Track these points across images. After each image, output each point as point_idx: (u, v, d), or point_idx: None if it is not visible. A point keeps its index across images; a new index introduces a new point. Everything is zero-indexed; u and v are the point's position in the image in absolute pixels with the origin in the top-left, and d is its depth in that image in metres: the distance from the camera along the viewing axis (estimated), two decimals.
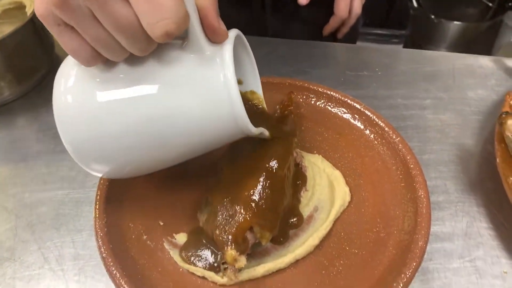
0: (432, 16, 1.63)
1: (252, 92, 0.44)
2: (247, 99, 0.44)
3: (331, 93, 0.53)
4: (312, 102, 0.54)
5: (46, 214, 0.46)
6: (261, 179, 0.40)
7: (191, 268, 0.40)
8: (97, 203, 0.42)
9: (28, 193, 0.48)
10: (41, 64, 0.58)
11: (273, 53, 0.65)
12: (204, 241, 0.41)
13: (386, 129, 0.49)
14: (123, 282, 0.37)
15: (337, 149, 0.50)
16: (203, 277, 0.40)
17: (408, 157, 0.46)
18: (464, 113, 0.56)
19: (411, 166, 0.45)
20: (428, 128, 0.54)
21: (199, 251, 0.41)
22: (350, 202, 0.45)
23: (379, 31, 1.65)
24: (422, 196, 0.43)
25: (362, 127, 0.51)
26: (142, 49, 0.30)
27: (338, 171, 0.47)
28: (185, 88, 0.32)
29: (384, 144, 0.48)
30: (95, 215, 0.41)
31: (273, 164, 0.42)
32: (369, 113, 0.50)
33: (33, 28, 0.55)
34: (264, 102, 0.44)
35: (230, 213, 0.39)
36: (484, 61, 0.63)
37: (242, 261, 0.38)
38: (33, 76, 0.58)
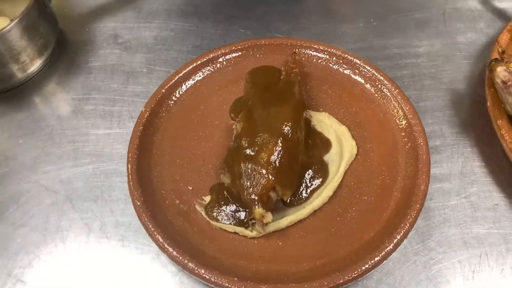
0: None
1: None
2: None
3: (332, 50, 0.56)
4: (314, 60, 0.57)
5: (82, 188, 0.51)
6: (277, 144, 0.45)
7: (223, 226, 0.45)
8: (130, 176, 0.47)
9: (61, 170, 0.52)
10: (49, 41, 0.60)
11: (270, 11, 0.67)
12: (230, 200, 0.46)
13: (385, 82, 0.53)
14: (166, 245, 0.43)
15: (341, 104, 0.54)
16: (235, 232, 0.45)
17: (406, 108, 0.50)
18: (455, 59, 0.59)
19: (410, 116, 0.50)
20: (423, 76, 0.58)
21: (226, 209, 0.46)
22: (357, 154, 0.50)
23: None
24: (422, 144, 0.48)
25: (362, 81, 0.54)
26: None
27: (344, 126, 0.52)
28: None
29: (384, 97, 0.53)
30: (130, 187, 0.46)
31: (286, 129, 0.46)
32: (368, 68, 0.54)
33: (38, 7, 0.56)
34: None
35: (254, 176, 0.44)
36: (473, 3, 0.66)
37: (269, 217, 0.43)
38: (43, 54, 0.60)
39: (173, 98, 0.54)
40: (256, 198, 0.43)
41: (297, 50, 0.57)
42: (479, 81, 0.56)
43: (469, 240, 0.45)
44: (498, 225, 0.46)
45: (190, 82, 0.55)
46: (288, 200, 0.46)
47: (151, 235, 0.44)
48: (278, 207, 0.46)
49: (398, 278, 0.44)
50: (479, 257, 0.44)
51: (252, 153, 0.45)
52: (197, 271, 0.41)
